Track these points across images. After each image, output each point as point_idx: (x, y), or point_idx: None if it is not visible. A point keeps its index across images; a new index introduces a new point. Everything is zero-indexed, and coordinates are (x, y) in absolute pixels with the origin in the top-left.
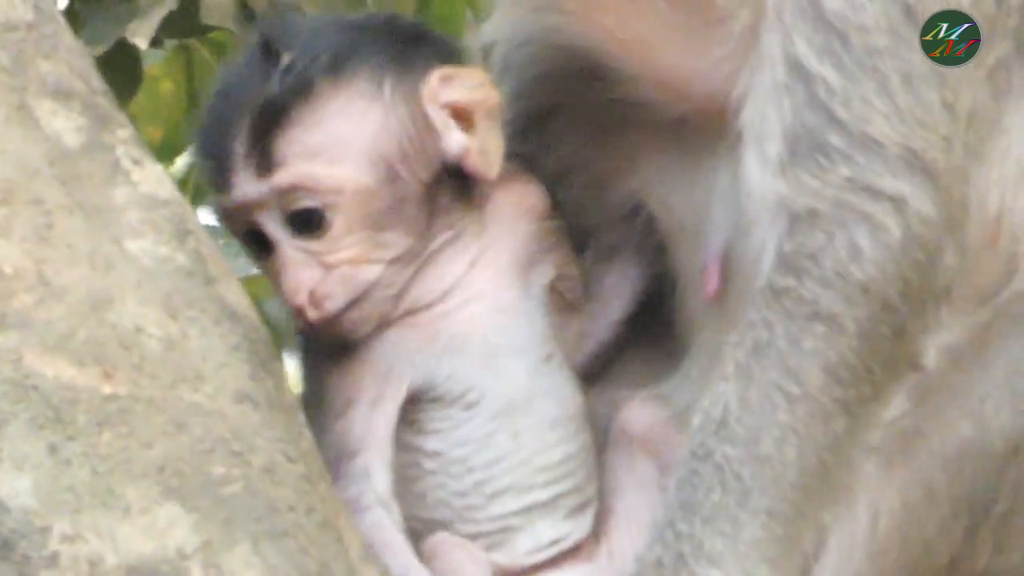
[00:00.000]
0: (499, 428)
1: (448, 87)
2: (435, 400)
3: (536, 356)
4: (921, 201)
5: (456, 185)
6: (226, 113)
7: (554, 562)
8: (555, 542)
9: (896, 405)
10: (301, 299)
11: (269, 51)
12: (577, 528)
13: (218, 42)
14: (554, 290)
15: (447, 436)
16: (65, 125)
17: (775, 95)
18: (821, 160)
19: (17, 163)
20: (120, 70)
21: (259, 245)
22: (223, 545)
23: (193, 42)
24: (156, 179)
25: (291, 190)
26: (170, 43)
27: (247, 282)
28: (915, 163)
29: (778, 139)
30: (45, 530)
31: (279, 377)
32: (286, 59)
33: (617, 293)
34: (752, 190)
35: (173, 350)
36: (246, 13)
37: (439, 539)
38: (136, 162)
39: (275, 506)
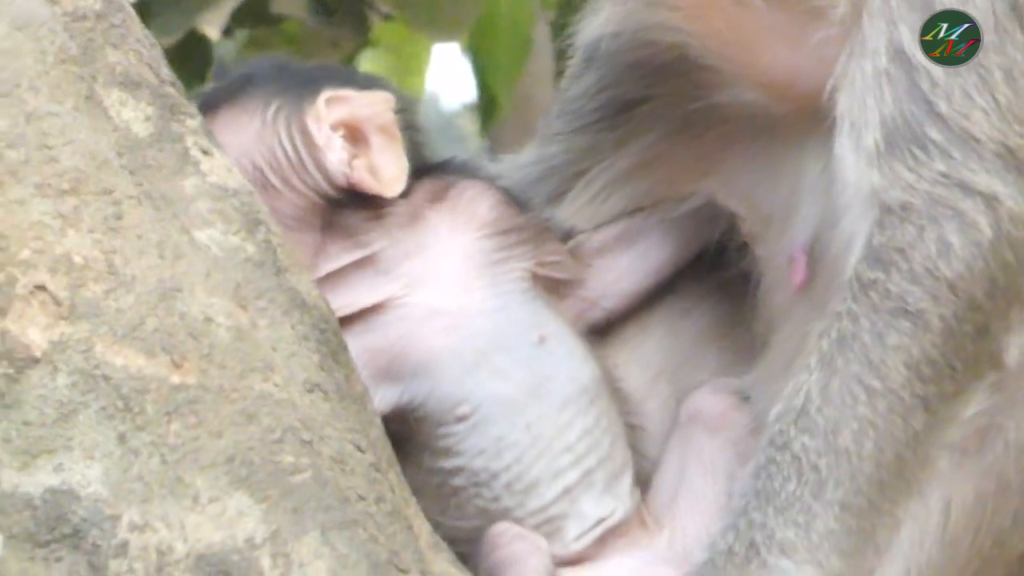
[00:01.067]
0: (509, 427)
1: (335, 107)
2: (423, 419)
3: (526, 344)
4: (1014, 199)
5: (370, 206)
6: None
7: (609, 546)
8: (600, 520)
9: (976, 402)
10: None
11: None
12: (620, 503)
13: (289, 32)
14: (537, 276)
15: (460, 451)
16: (134, 115)
17: (876, 83)
18: (918, 153)
19: (86, 153)
20: (192, 60)
21: None
22: (292, 534)
23: (264, 32)
24: (225, 169)
25: None
26: (241, 33)
27: None
28: (1010, 161)
29: (876, 128)
30: (115, 519)
31: (349, 367)
32: (209, 87)
33: (634, 268)
34: (846, 178)
35: (243, 340)
36: (317, 4)
37: (499, 530)
38: (205, 152)
39: (345, 495)
